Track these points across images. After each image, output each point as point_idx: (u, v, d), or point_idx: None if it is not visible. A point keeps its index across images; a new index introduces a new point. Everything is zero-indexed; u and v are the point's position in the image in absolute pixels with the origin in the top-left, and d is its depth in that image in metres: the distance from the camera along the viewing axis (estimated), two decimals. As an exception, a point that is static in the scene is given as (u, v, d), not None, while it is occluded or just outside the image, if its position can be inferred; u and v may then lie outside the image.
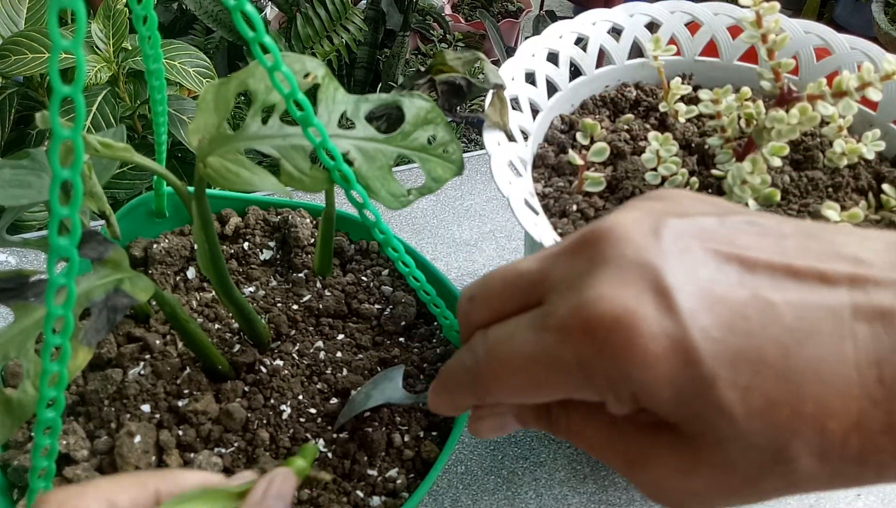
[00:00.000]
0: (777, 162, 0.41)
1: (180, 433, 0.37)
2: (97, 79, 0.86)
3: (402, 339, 0.44)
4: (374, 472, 0.37)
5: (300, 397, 0.39)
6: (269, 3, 1.54)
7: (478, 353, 0.22)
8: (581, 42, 0.53)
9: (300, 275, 0.46)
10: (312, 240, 0.48)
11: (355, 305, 0.45)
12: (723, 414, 0.18)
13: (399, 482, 0.37)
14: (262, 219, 0.50)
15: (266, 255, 0.48)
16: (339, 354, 0.42)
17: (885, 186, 0.46)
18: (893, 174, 0.47)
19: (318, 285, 0.46)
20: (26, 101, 0.92)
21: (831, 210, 0.41)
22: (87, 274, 0.30)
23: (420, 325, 0.45)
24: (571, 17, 0.54)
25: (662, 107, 0.48)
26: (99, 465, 0.36)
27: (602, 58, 0.54)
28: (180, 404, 0.38)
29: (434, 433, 0.40)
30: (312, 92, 0.32)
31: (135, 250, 0.47)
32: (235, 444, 0.37)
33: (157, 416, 0.38)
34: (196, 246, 0.47)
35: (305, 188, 0.30)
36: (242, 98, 0.89)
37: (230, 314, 0.43)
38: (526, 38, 0.56)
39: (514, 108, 0.46)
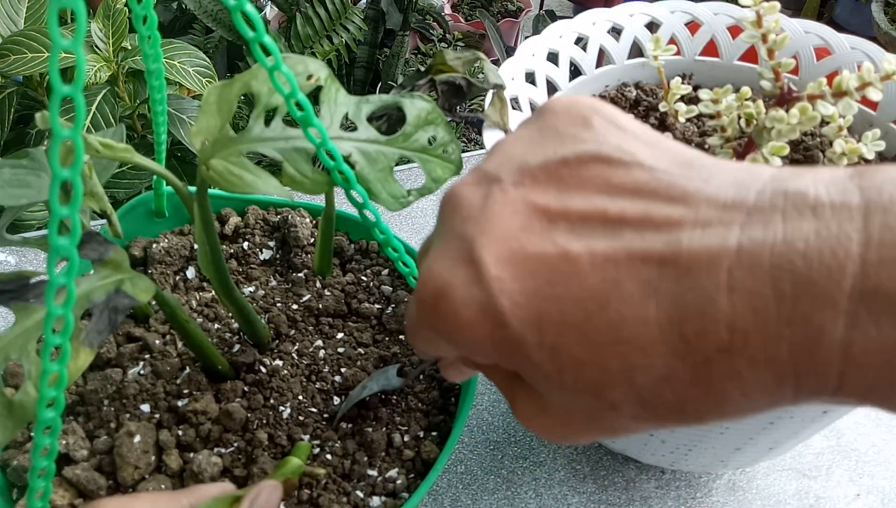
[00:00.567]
0: (777, 162, 0.41)
1: (180, 432, 0.37)
2: (97, 78, 0.86)
3: (402, 337, 0.44)
4: (374, 472, 0.37)
5: (300, 397, 0.39)
6: (269, 2, 1.54)
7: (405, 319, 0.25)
8: (581, 42, 0.53)
9: (300, 275, 0.46)
10: (312, 240, 0.48)
11: (355, 304, 0.45)
12: (538, 371, 0.20)
13: (399, 482, 0.37)
14: (262, 219, 0.50)
15: (266, 255, 0.48)
16: (339, 353, 0.42)
17: (885, 186, 0.46)
18: (893, 174, 0.47)
19: (318, 284, 0.46)
20: (26, 100, 0.92)
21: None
22: (88, 275, 0.30)
23: (420, 325, 0.45)
24: (571, 17, 0.54)
25: (662, 107, 0.48)
26: (98, 465, 0.36)
27: (602, 58, 0.54)
28: (180, 404, 0.38)
29: (434, 434, 0.40)
30: (315, 93, 0.32)
31: (134, 250, 0.47)
32: (235, 444, 0.37)
33: (157, 416, 0.38)
34: (196, 246, 0.47)
35: (306, 191, 0.30)
36: (243, 98, 0.89)
37: (230, 314, 0.43)
38: (526, 37, 0.56)
39: (514, 108, 0.46)
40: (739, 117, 0.44)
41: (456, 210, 0.22)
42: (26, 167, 0.35)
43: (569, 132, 0.22)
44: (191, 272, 0.46)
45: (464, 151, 0.36)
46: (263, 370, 0.40)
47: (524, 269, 0.20)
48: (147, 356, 0.41)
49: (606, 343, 0.19)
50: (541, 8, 1.95)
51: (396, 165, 0.33)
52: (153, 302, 0.43)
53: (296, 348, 0.42)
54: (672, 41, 0.53)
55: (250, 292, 0.45)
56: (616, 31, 0.54)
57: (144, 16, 0.34)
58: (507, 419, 0.56)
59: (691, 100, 0.48)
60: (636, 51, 0.55)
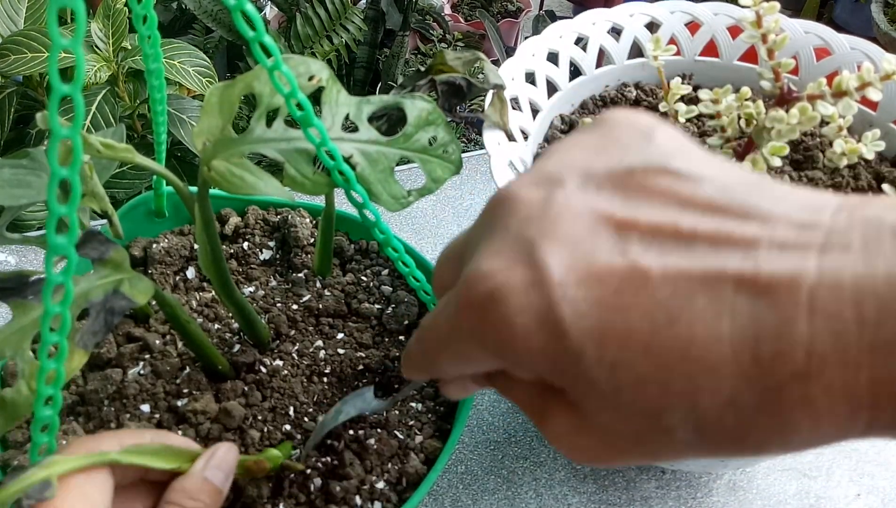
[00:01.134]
0: (777, 162, 0.41)
1: (179, 432, 0.37)
2: (96, 78, 0.86)
3: (402, 338, 0.44)
4: (373, 474, 0.37)
5: (300, 397, 0.39)
6: (269, 2, 1.54)
7: (421, 331, 0.24)
8: (581, 42, 0.53)
9: (300, 275, 0.46)
10: (312, 240, 0.48)
11: (355, 305, 0.45)
12: (593, 387, 0.19)
13: (399, 482, 0.37)
14: (262, 219, 0.50)
15: (266, 255, 0.48)
16: (339, 353, 0.42)
17: (885, 187, 0.46)
18: (893, 174, 0.47)
19: (318, 284, 0.46)
20: (26, 100, 0.92)
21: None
22: (87, 274, 0.30)
23: (420, 325, 0.45)
24: (571, 17, 0.54)
25: (662, 107, 0.48)
26: (98, 465, 0.36)
27: (602, 58, 0.54)
28: (180, 404, 0.38)
29: (434, 434, 0.40)
30: (316, 94, 0.32)
31: (134, 250, 0.47)
32: (234, 443, 0.37)
33: (157, 416, 0.38)
34: (197, 246, 0.47)
35: (307, 191, 0.31)
36: (243, 99, 0.89)
37: (230, 314, 0.43)
38: (525, 37, 0.56)
39: (514, 108, 0.46)
40: (739, 118, 0.44)
41: (513, 210, 0.20)
42: (26, 167, 0.35)
43: (633, 143, 0.21)
44: (191, 272, 0.46)
45: (463, 152, 0.36)
46: (264, 370, 0.40)
47: (589, 277, 0.18)
48: (147, 356, 0.41)
49: (673, 361, 0.18)
50: (541, 8, 1.95)
51: (396, 165, 0.33)
52: (153, 302, 0.43)
53: (296, 348, 0.42)
54: (672, 41, 0.53)
55: (250, 292, 0.45)
56: (616, 32, 0.54)
57: (144, 16, 0.34)
58: (508, 419, 0.56)
59: (691, 100, 0.48)
60: (636, 51, 0.55)
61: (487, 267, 0.19)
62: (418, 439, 0.39)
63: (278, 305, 0.44)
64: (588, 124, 0.23)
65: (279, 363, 0.41)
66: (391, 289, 0.46)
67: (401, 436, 0.39)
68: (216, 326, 0.43)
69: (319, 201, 0.47)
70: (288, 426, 0.38)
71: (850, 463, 0.56)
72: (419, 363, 0.25)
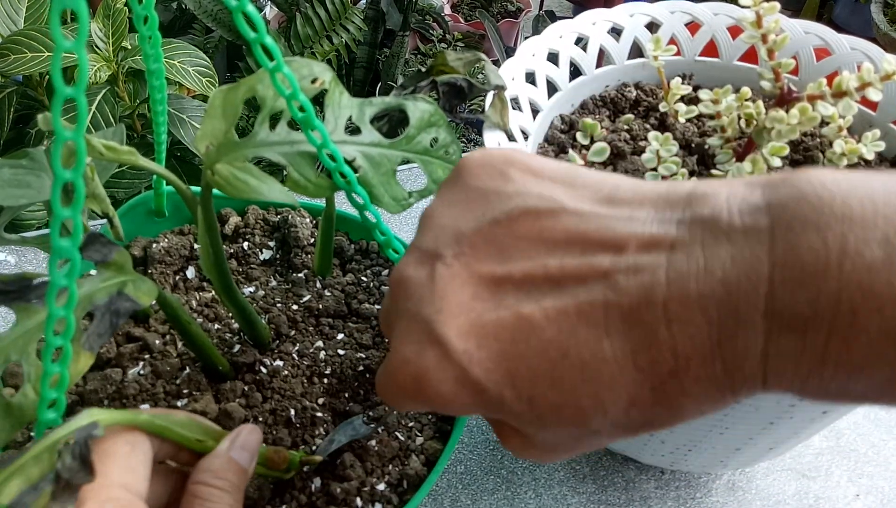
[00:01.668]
0: (777, 162, 0.41)
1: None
2: (97, 78, 0.86)
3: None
4: (374, 476, 0.37)
5: (300, 397, 0.39)
6: (269, 2, 1.54)
7: (379, 386, 0.26)
8: (581, 42, 0.53)
9: (300, 275, 0.46)
10: (312, 240, 0.48)
11: (355, 305, 0.45)
12: (522, 419, 0.22)
13: (399, 483, 0.37)
14: (262, 219, 0.50)
15: (266, 255, 0.48)
16: (339, 354, 0.42)
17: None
18: (893, 175, 0.47)
19: (318, 285, 0.46)
20: (26, 100, 0.92)
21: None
22: (90, 277, 0.30)
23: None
24: (571, 17, 0.54)
25: (662, 107, 0.48)
26: (99, 465, 0.36)
27: (602, 58, 0.54)
28: (179, 404, 0.38)
29: (434, 435, 0.40)
30: (319, 97, 0.32)
31: (134, 250, 0.47)
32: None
33: (157, 416, 0.38)
34: (197, 246, 0.47)
35: (309, 194, 0.31)
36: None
37: (230, 314, 0.43)
38: (525, 38, 0.56)
39: (514, 108, 0.46)
40: (739, 118, 0.44)
41: (407, 293, 0.23)
42: (26, 167, 0.35)
43: (491, 189, 0.24)
44: (191, 272, 0.46)
45: (464, 152, 0.36)
46: (264, 370, 0.40)
47: (485, 335, 0.21)
48: (147, 356, 0.41)
49: (575, 385, 0.21)
50: (541, 8, 1.95)
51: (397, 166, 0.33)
52: (154, 302, 0.43)
53: (296, 348, 0.42)
54: (672, 41, 0.54)
55: (250, 292, 0.45)
56: (616, 32, 0.54)
57: (145, 16, 0.34)
58: (507, 420, 0.56)
59: (691, 100, 0.48)
60: (636, 51, 0.55)
61: (402, 356, 0.23)
62: (419, 440, 0.39)
63: (278, 305, 0.44)
64: (449, 177, 0.26)
65: (279, 363, 0.41)
66: (391, 289, 0.46)
67: (402, 437, 0.39)
68: (216, 326, 0.43)
69: (320, 201, 0.47)
70: (288, 428, 0.38)
71: (849, 464, 0.56)
72: (388, 402, 0.27)
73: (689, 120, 0.50)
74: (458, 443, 0.49)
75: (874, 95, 0.40)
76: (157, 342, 0.41)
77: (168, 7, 1.42)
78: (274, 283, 0.46)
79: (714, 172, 0.45)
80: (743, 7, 0.43)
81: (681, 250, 0.20)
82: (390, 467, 0.37)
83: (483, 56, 0.38)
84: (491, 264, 0.22)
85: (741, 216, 0.19)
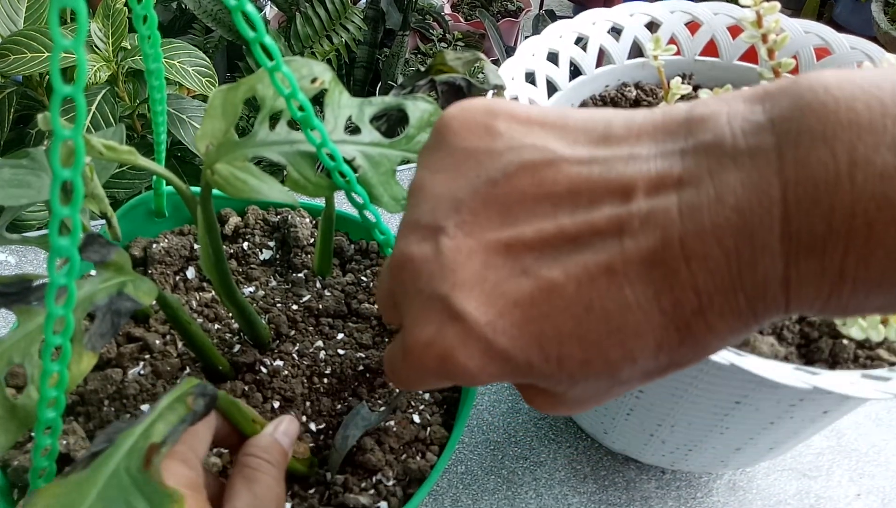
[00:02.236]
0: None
1: (180, 433, 0.37)
2: (97, 78, 0.86)
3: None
4: (375, 476, 0.37)
5: (301, 397, 0.39)
6: (269, 2, 1.54)
7: (394, 369, 0.25)
8: (581, 42, 0.53)
9: (300, 275, 0.46)
10: (312, 240, 0.48)
11: (355, 305, 0.45)
12: (552, 380, 0.22)
13: (400, 483, 0.37)
14: (262, 219, 0.50)
15: (266, 255, 0.48)
16: (339, 354, 0.42)
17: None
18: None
19: (318, 285, 0.46)
20: (26, 100, 0.92)
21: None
22: (90, 277, 0.30)
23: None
24: (571, 17, 0.54)
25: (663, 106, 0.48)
26: (99, 465, 0.36)
27: (602, 57, 0.54)
28: (180, 404, 0.38)
29: (434, 435, 0.40)
30: (319, 96, 0.32)
31: (134, 250, 0.47)
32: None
33: (157, 416, 0.38)
34: (197, 246, 0.47)
35: (309, 194, 0.31)
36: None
37: (230, 314, 0.43)
38: (526, 37, 0.56)
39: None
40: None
41: (415, 273, 0.22)
42: (26, 167, 0.35)
43: (480, 148, 0.23)
44: (191, 272, 0.46)
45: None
46: (264, 370, 0.40)
47: (505, 303, 0.21)
48: (147, 357, 0.41)
49: (602, 338, 0.20)
50: (541, 8, 1.95)
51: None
52: (154, 303, 0.43)
53: (296, 348, 0.42)
54: (672, 41, 0.54)
55: (250, 292, 0.45)
56: (616, 31, 0.54)
57: (144, 16, 0.34)
58: (507, 420, 0.56)
59: (691, 100, 0.48)
60: (636, 51, 0.55)
61: (424, 338, 0.22)
62: (419, 439, 0.39)
63: (278, 305, 0.44)
64: (430, 141, 0.24)
65: (279, 363, 0.41)
66: (391, 289, 0.46)
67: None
68: (216, 326, 0.43)
69: (319, 201, 0.47)
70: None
71: (850, 463, 0.56)
72: (403, 385, 0.26)
73: (689, 119, 0.50)
74: (458, 443, 0.49)
75: (874, 94, 0.40)
76: (158, 342, 0.41)
77: (168, 7, 1.42)
78: (274, 283, 0.46)
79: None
80: (743, 7, 0.43)
81: (689, 183, 0.19)
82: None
83: (482, 55, 0.38)
84: (497, 229, 0.21)
85: (745, 137, 0.19)
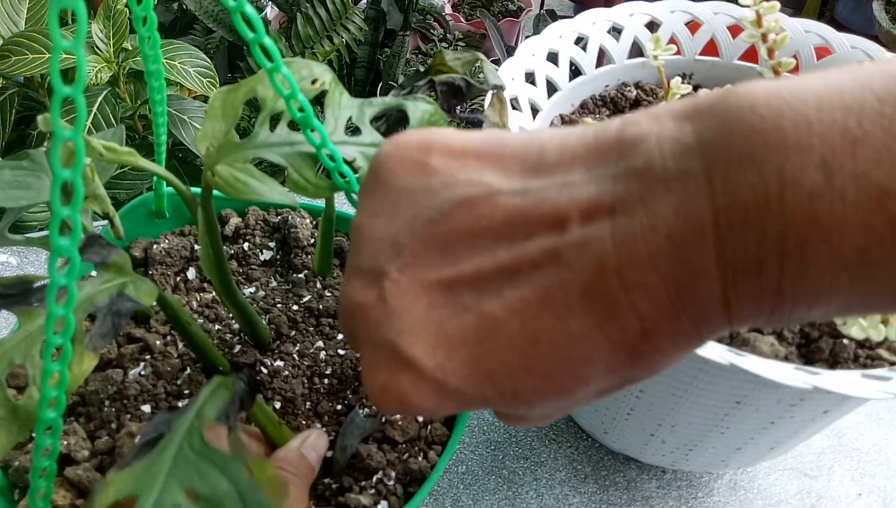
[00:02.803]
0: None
1: (181, 433, 0.37)
2: (97, 79, 0.86)
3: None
4: (375, 475, 0.37)
5: (301, 398, 0.39)
6: (270, 2, 1.54)
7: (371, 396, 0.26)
8: (581, 42, 0.53)
9: (300, 275, 0.46)
10: (312, 240, 0.48)
11: (356, 305, 0.45)
12: (510, 408, 0.22)
13: (400, 483, 0.37)
14: (262, 219, 0.50)
15: (266, 255, 0.48)
16: (339, 354, 0.42)
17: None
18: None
19: (319, 285, 0.46)
20: (27, 101, 0.93)
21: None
22: (91, 278, 0.30)
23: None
24: (572, 17, 0.54)
25: (663, 106, 0.48)
26: (100, 465, 0.36)
27: (602, 57, 0.54)
28: (181, 404, 0.38)
29: (434, 434, 0.40)
30: (319, 97, 0.32)
31: (135, 251, 0.47)
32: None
33: (158, 416, 0.38)
34: (198, 247, 0.47)
35: (309, 195, 0.31)
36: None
37: (230, 315, 0.43)
38: (526, 37, 0.56)
39: (513, 108, 0.46)
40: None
41: (363, 320, 0.23)
42: (26, 169, 0.35)
43: (416, 187, 0.22)
44: (191, 273, 0.46)
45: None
46: (265, 370, 0.40)
47: (452, 344, 0.21)
48: (148, 357, 0.41)
49: (553, 369, 0.20)
50: (541, 8, 1.95)
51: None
52: (155, 303, 0.43)
53: (297, 348, 0.42)
54: (672, 41, 0.54)
55: (251, 292, 0.45)
56: (616, 31, 0.54)
57: (144, 17, 0.34)
58: (508, 419, 0.56)
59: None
60: (636, 50, 0.55)
61: (379, 384, 0.22)
62: (419, 439, 0.39)
63: (279, 305, 0.44)
64: (366, 180, 0.24)
65: (280, 363, 0.41)
66: (392, 289, 0.46)
67: (401, 438, 0.39)
68: (217, 326, 0.43)
69: (319, 201, 0.47)
70: (288, 428, 0.38)
71: (851, 463, 0.56)
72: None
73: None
74: (458, 443, 0.49)
75: (874, 93, 0.40)
76: (158, 342, 0.41)
77: (169, 8, 1.42)
78: (274, 283, 0.46)
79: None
80: (743, 6, 0.43)
81: (622, 211, 0.19)
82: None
83: (481, 56, 0.38)
84: (438, 269, 0.22)
85: (675, 160, 0.19)
